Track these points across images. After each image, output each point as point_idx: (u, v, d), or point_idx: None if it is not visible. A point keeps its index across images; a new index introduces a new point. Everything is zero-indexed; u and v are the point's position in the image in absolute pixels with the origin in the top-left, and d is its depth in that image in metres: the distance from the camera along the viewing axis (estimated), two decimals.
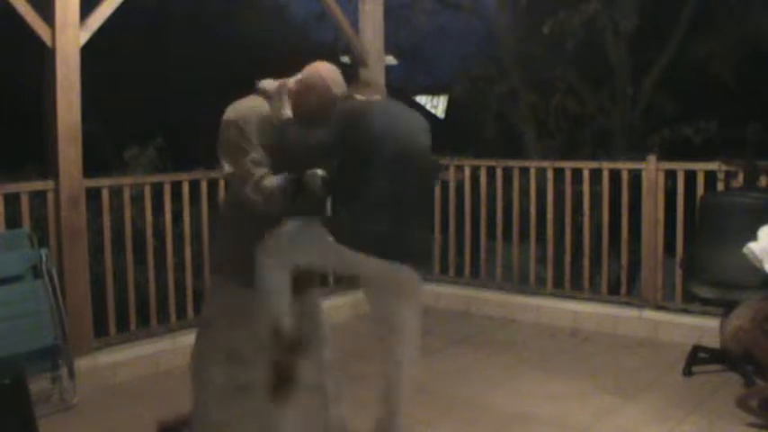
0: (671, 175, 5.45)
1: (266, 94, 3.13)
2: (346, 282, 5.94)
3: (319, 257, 3.08)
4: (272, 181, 2.98)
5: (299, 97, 3.09)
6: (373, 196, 2.91)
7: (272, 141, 3.04)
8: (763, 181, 4.92)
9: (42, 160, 4.60)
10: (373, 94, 3.19)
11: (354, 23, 6.17)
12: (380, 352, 3.23)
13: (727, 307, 4.40)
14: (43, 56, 4.37)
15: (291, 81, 3.15)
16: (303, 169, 3.03)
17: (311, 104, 3.08)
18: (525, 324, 5.86)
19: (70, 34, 4.36)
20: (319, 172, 3.05)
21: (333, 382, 3.30)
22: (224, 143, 3.05)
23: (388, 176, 2.92)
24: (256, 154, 3.00)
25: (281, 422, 3.08)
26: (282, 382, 3.00)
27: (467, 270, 6.40)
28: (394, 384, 3.22)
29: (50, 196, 4.43)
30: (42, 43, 4.31)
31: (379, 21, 6.24)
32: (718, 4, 8.73)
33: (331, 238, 2.90)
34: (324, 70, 3.10)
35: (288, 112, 3.07)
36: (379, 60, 6.28)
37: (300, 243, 3.01)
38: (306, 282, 3.24)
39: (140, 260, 4.97)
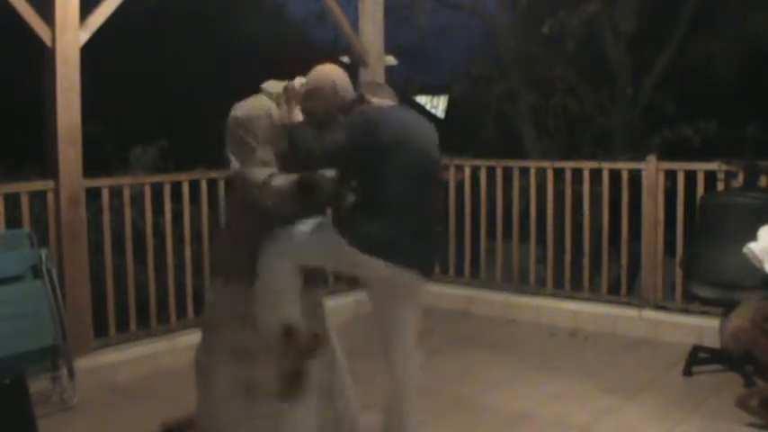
0: (671, 175, 5.44)
1: (272, 96, 3.14)
2: (346, 282, 5.95)
3: (330, 260, 3.09)
4: (282, 180, 2.98)
5: (307, 100, 3.11)
6: (389, 202, 2.95)
7: (281, 142, 3.04)
8: (763, 181, 4.92)
9: (42, 160, 4.60)
10: (386, 99, 3.18)
11: (354, 23, 6.16)
12: (384, 369, 3.26)
13: (727, 307, 4.40)
14: (43, 56, 4.37)
15: (297, 83, 3.15)
16: (315, 171, 3.04)
17: (320, 107, 3.10)
18: (525, 324, 5.85)
19: (70, 34, 4.36)
20: (329, 173, 3.06)
21: (342, 381, 3.30)
22: (232, 142, 3.05)
23: (403, 183, 2.96)
24: (264, 153, 3.01)
25: (289, 422, 3.08)
26: (294, 383, 2.98)
27: (467, 270, 6.40)
28: (399, 398, 3.24)
29: (50, 196, 4.43)
30: (42, 43, 4.31)
31: (379, 21, 6.24)
32: (718, 4, 8.73)
33: (343, 241, 2.91)
34: (333, 73, 3.12)
35: (299, 114, 3.08)
36: (379, 60, 6.28)
37: (312, 244, 3.02)
38: (311, 282, 3.24)
39: (140, 260, 4.97)
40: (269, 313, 3.00)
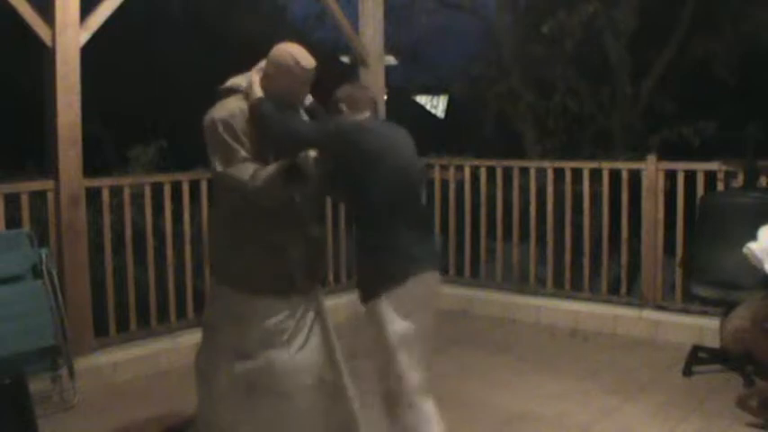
0: (671, 175, 5.44)
1: (240, 90, 3.12)
2: (346, 281, 5.95)
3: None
4: (268, 170, 2.97)
5: (270, 79, 3.08)
6: (397, 218, 2.97)
7: (255, 136, 3.03)
8: (763, 181, 4.92)
9: (42, 160, 4.60)
10: (364, 112, 3.13)
11: (354, 23, 6.17)
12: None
13: (727, 307, 4.40)
14: (43, 56, 4.37)
15: (256, 71, 3.14)
16: (288, 155, 3.02)
17: (283, 84, 3.07)
18: (525, 324, 5.86)
19: (70, 34, 4.36)
20: (311, 153, 3.05)
21: (345, 380, 3.30)
22: (213, 143, 3.04)
23: (398, 196, 2.98)
24: (245, 151, 3.00)
25: (292, 421, 3.08)
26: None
27: (467, 270, 6.40)
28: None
29: (50, 196, 4.43)
30: (42, 43, 4.31)
31: (379, 21, 6.24)
32: (718, 4, 8.73)
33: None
34: (292, 48, 3.09)
35: (258, 91, 3.05)
36: (379, 60, 6.28)
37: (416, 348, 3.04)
38: (311, 281, 3.25)
39: (140, 260, 4.97)
40: None
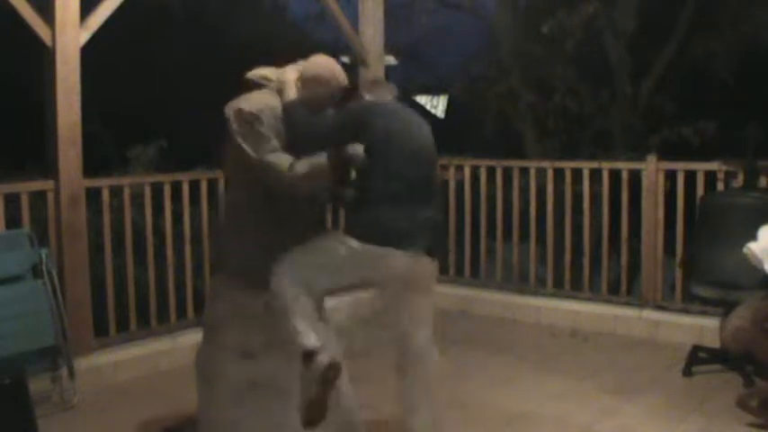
0: (671, 175, 5.44)
1: (269, 81, 3.16)
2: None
3: (347, 275, 3.04)
4: (310, 161, 2.99)
5: (306, 83, 3.15)
6: (395, 188, 2.93)
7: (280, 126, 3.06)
8: (763, 181, 4.92)
9: (42, 160, 4.60)
10: (384, 94, 3.20)
11: (354, 23, 6.16)
12: (398, 380, 3.20)
13: (727, 307, 4.40)
14: (43, 56, 4.37)
15: (291, 70, 3.18)
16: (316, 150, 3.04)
17: (316, 92, 3.14)
18: (525, 324, 5.86)
19: (70, 34, 4.35)
20: (359, 147, 3.05)
21: (344, 381, 3.30)
22: (244, 132, 3.04)
23: (403, 168, 2.95)
24: (275, 142, 3.03)
25: (293, 420, 3.08)
26: (316, 413, 2.90)
27: (467, 270, 6.40)
28: (420, 397, 3.20)
29: (50, 196, 4.43)
30: (42, 43, 4.31)
31: (379, 20, 6.24)
32: (717, 4, 8.73)
33: (354, 243, 2.88)
34: (331, 63, 3.21)
35: (293, 92, 3.11)
36: (379, 60, 6.28)
37: (324, 264, 2.98)
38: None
39: (140, 260, 4.97)
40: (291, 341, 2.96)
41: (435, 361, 3.23)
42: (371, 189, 2.93)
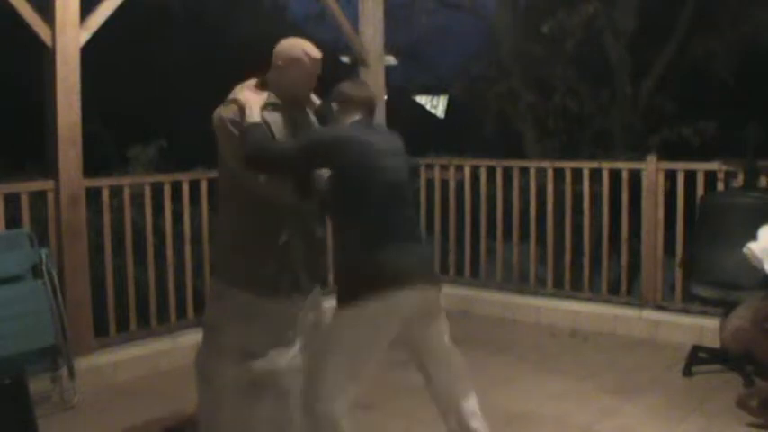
0: (671, 176, 5.44)
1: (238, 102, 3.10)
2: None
3: (373, 350, 2.95)
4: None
5: (280, 71, 3.12)
6: (387, 227, 2.89)
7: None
8: (763, 181, 4.92)
9: (42, 160, 4.60)
10: (354, 115, 3.06)
11: (354, 23, 6.16)
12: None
13: (727, 307, 4.40)
14: (43, 56, 4.37)
15: (239, 90, 3.12)
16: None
17: (293, 76, 3.11)
18: (525, 324, 5.86)
19: (70, 34, 4.35)
20: (324, 173, 3.05)
21: None
22: (224, 137, 3.06)
23: (387, 204, 2.90)
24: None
25: (293, 420, 3.08)
26: None
27: (467, 270, 6.40)
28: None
29: (50, 196, 4.43)
30: (42, 43, 4.31)
31: (379, 20, 6.24)
32: (718, 4, 8.73)
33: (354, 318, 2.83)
34: (300, 41, 3.15)
35: (255, 114, 3.01)
36: (379, 60, 6.27)
37: (346, 362, 2.89)
38: (312, 281, 3.25)
39: (140, 260, 4.97)
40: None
41: (459, 355, 3.21)
42: (363, 233, 2.86)
